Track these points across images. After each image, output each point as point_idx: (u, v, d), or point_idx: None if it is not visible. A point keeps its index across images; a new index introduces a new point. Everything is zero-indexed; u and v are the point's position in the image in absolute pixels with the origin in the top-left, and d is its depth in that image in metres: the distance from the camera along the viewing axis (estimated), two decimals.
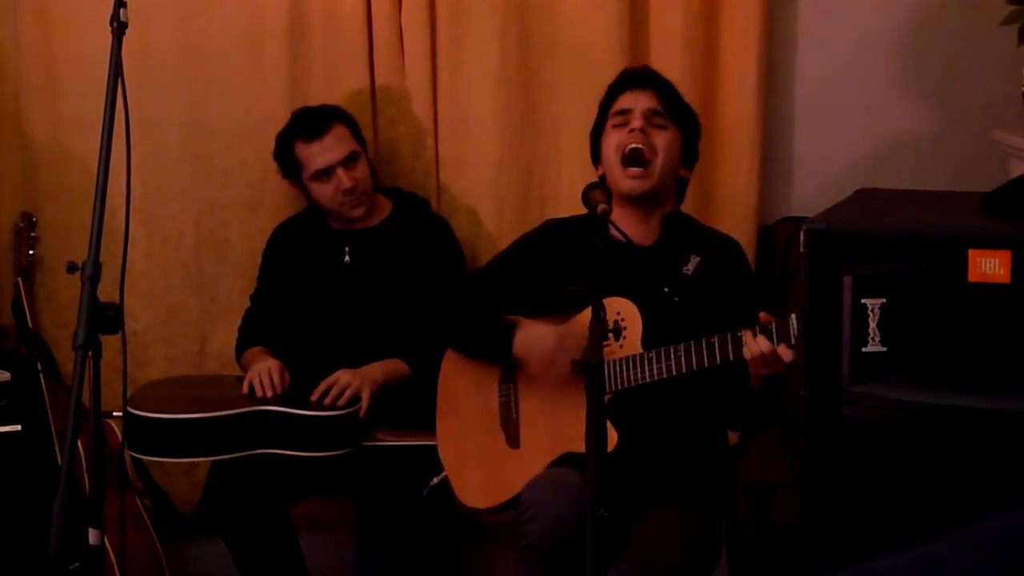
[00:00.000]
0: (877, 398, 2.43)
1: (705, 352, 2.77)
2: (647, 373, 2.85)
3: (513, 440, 3.07)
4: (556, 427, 2.98)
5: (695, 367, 2.79)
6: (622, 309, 2.92)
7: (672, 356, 2.81)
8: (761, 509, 3.53)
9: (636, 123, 3.04)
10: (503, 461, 3.06)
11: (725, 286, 3.03)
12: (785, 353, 2.68)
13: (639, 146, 3.02)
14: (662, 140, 3.06)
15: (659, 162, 3.04)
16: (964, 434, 2.39)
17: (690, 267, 3.03)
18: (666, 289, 3.00)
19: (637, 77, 3.18)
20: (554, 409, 2.99)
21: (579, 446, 2.84)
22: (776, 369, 2.71)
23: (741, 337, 2.72)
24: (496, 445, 3.09)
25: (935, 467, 2.41)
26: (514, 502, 2.96)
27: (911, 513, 2.45)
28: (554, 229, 3.20)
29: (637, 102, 3.09)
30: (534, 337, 3.01)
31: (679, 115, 3.14)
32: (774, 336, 2.69)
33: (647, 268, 3.03)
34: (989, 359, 2.40)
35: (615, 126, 3.09)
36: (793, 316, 2.66)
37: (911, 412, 2.42)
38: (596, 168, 3.18)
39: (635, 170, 3.02)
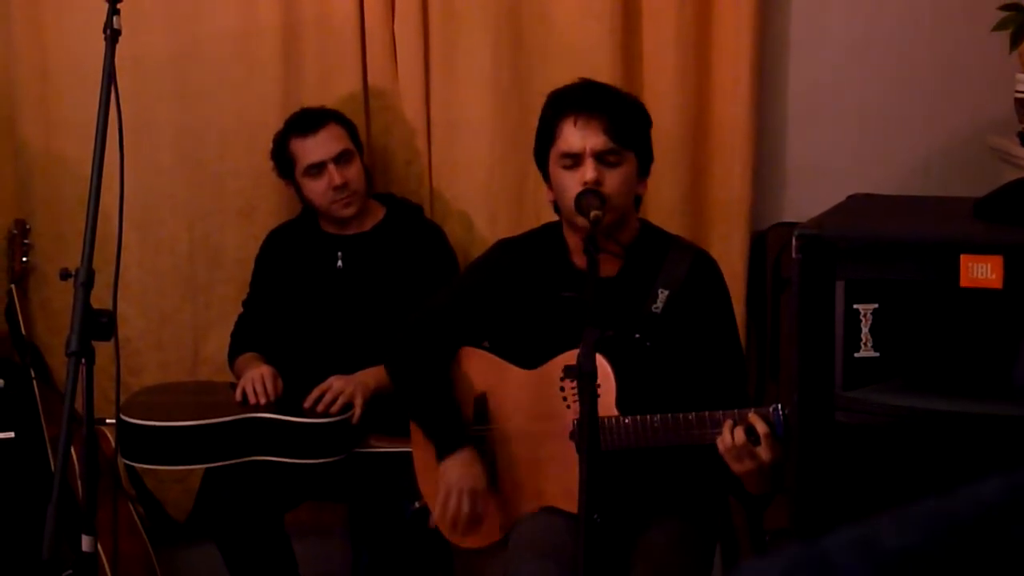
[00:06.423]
0: (869, 403, 2.43)
1: (683, 431, 2.71)
2: (621, 441, 2.76)
3: (492, 483, 2.98)
4: (537, 479, 2.93)
5: (672, 443, 2.73)
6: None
7: (650, 428, 2.73)
8: (753, 515, 3.53)
9: (590, 174, 2.78)
10: (484, 504, 2.96)
11: (697, 315, 2.90)
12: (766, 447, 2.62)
13: (594, 191, 2.78)
14: (617, 179, 2.81)
15: (617, 202, 2.81)
16: (957, 439, 2.40)
17: (659, 304, 2.87)
18: (637, 335, 2.87)
19: (578, 102, 2.86)
20: (532, 459, 2.93)
21: (562, 503, 2.85)
22: (748, 468, 2.63)
23: (720, 418, 2.67)
24: None
25: (928, 472, 2.41)
26: (499, 543, 2.95)
27: None
28: (506, 250, 3.07)
29: (585, 141, 2.80)
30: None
31: (631, 137, 2.86)
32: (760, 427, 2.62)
33: (613, 304, 2.83)
34: (981, 364, 2.40)
35: (564, 167, 2.84)
36: (779, 407, 2.62)
37: (903, 417, 2.42)
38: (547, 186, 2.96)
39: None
